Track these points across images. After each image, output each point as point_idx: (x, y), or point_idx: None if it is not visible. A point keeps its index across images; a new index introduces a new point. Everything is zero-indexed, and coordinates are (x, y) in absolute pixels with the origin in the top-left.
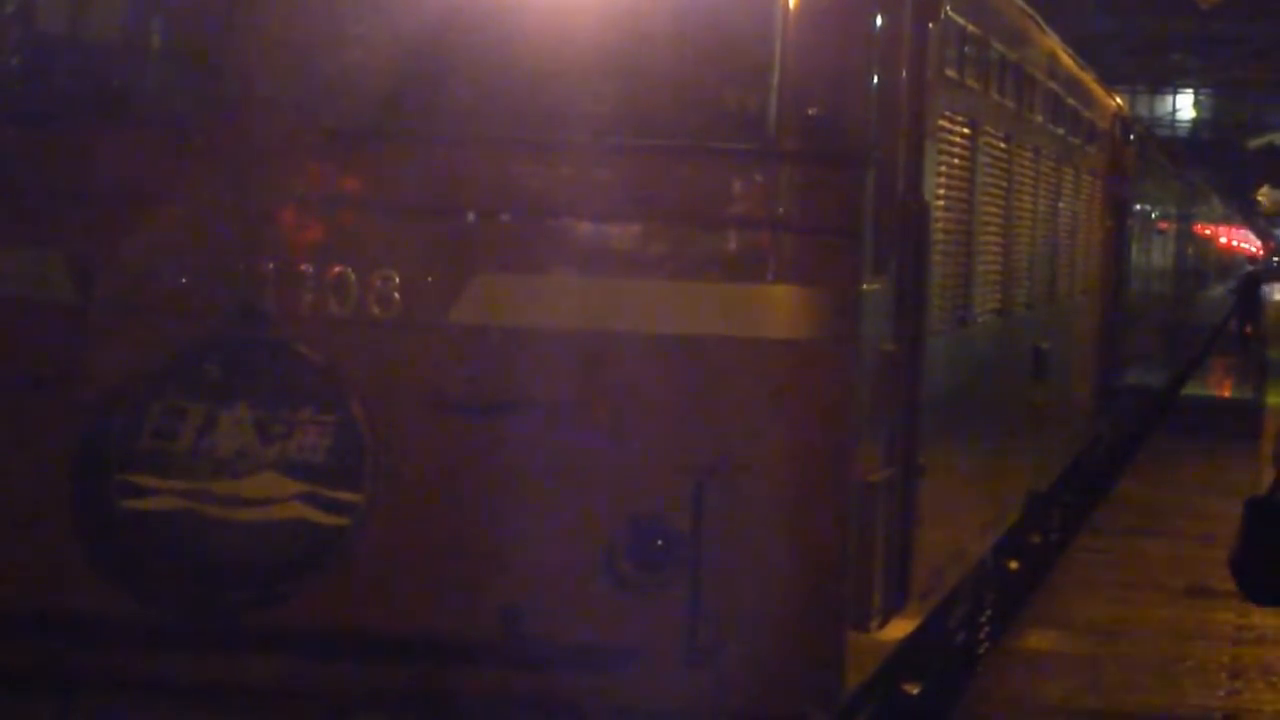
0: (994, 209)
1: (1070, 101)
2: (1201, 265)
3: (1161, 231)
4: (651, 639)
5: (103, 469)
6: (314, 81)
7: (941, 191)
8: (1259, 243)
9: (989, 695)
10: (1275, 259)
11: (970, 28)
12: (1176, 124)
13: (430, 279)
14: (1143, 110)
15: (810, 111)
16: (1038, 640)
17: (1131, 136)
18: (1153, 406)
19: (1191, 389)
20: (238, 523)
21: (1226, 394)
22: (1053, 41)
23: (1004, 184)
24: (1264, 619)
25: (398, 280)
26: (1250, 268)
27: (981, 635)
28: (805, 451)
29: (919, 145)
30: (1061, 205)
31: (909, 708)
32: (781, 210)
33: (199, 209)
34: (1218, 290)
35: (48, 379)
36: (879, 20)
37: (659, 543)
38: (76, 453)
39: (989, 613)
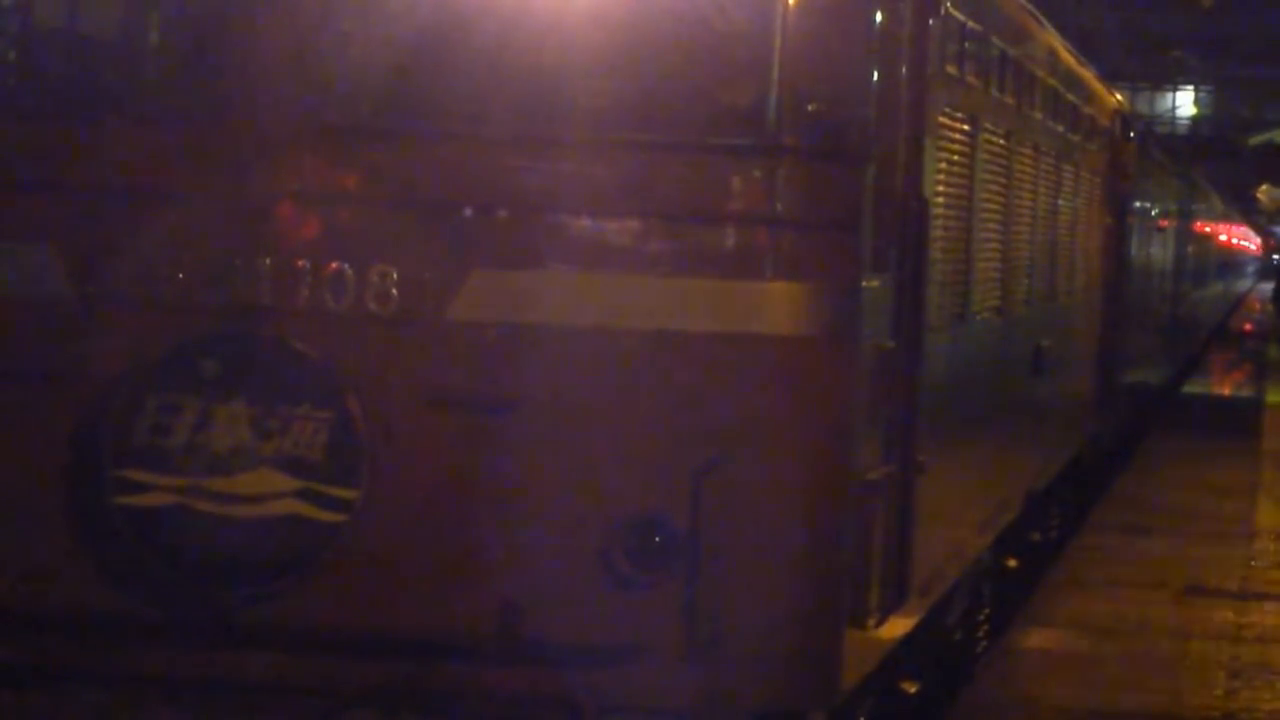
0: (994, 206)
1: (1070, 98)
2: (1201, 263)
3: (1161, 229)
4: (649, 636)
5: (98, 464)
6: (313, 77)
7: (941, 188)
8: (1258, 240)
9: (987, 694)
10: (1275, 256)
11: (970, 24)
12: (1176, 121)
13: (428, 275)
14: (1143, 107)
15: (810, 108)
16: (1036, 639)
17: (1131, 134)
18: (1152, 404)
19: (1191, 387)
20: (234, 519)
21: (1226, 392)
22: (1052, 38)
23: (1004, 181)
24: (1264, 618)
25: (395, 276)
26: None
27: (980, 633)
28: (804, 448)
29: (919, 142)
30: (1061, 202)
31: (907, 706)
32: (781, 206)
33: (196, 204)
34: (1218, 288)
35: (43, 374)
36: (879, 16)
37: (657, 540)
38: (72, 448)
39: (987, 611)
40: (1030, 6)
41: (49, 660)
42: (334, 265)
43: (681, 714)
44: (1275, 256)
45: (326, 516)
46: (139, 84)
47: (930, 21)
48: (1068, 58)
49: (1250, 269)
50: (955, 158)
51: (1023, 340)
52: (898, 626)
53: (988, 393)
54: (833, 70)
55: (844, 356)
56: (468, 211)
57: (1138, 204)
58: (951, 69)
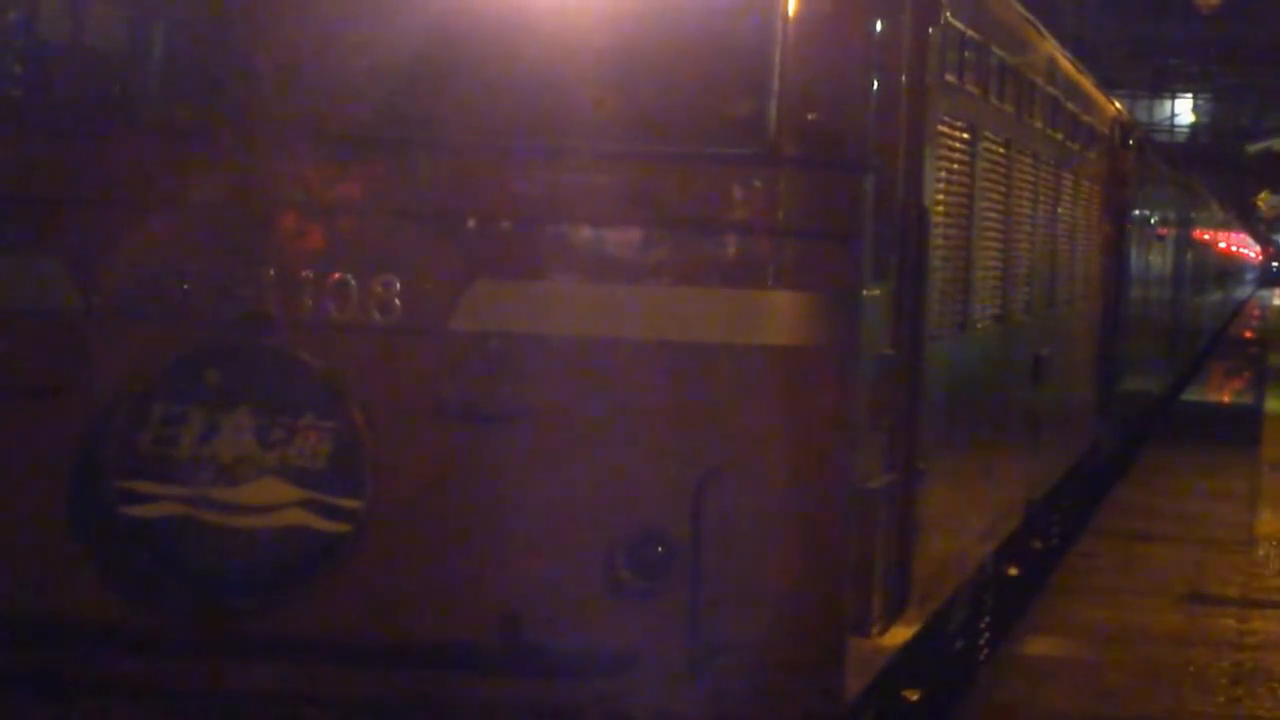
0: (993, 214)
1: (1069, 106)
2: (1201, 270)
3: (1160, 237)
4: (651, 646)
5: (103, 475)
6: (316, 87)
7: (941, 197)
8: (1258, 248)
9: (989, 702)
10: (1275, 264)
11: (969, 32)
12: (1176, 129)
13: (431, 285)
14: (1142, 115)
15: (810, 117)
16: (1037, 646)
17: (1130, 141)
18: (1152, 412)
19: (1191, 394)
20: (238, 529)
21: (1226, 400)
22: (1052, 46)
23: (1003, 189)
24: (1265, 624)
25: (398, 286)
26: None
27: (981, 641)
28: (805, 457)
29: (918, 150)
30: (1060, 211)
31: (909, 714)
32: (781, 216)
33: (200, 215)
34: (1217, 295)
35: (49, 385)
36: (878, 25)
37: (659, 549)
38: (77, 459)
39: (988, 619)
40: (1029, 15)
41: (54, 671)
42: (337, 276)
43: None
44: (1275, 264)
45: (330, 527)
46: (143, 96)
47: (930, 30)
48: (1067, 66)
49: (1250, 276)
50: (955, 166)
51: (1023, 348)
52: (899, 634)
53: (988, 401)
54: (832, 80)
55: (845, 365)
56: (470, 222)
57: (1137, 212)
58: (951, 78)
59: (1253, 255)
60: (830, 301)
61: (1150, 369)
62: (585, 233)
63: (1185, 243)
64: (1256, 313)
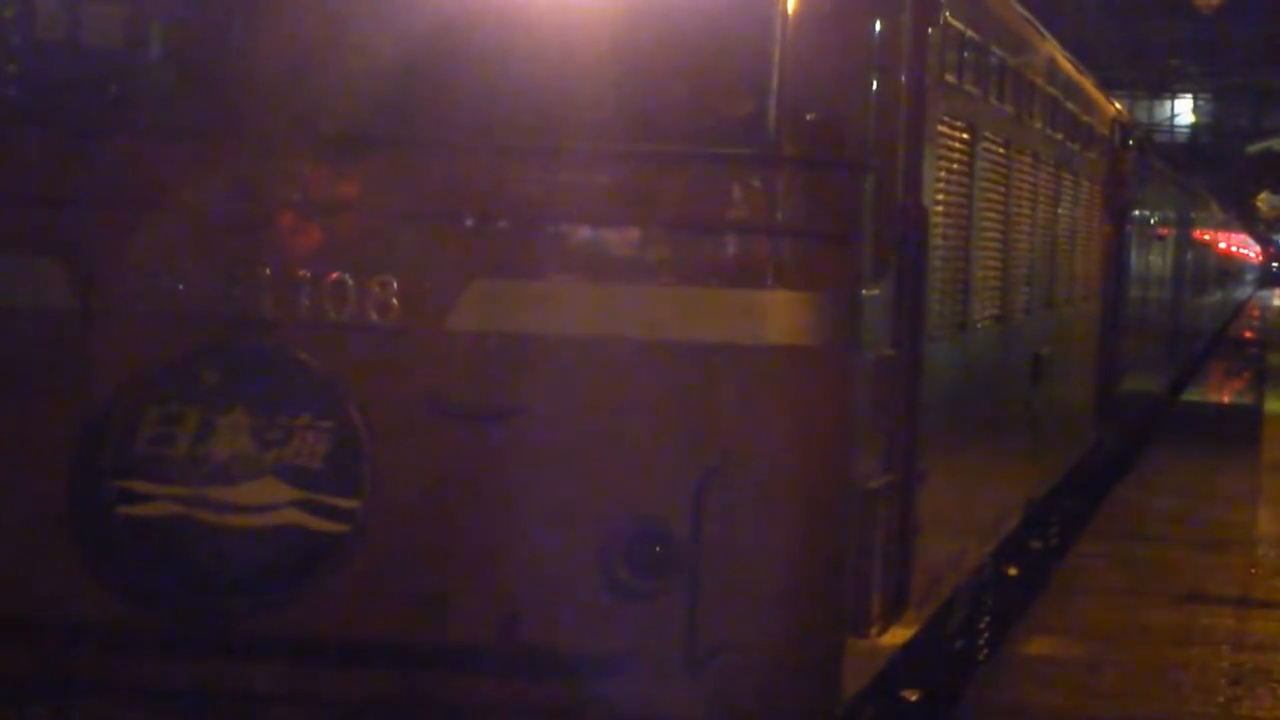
0: (993, 214)
1: (1069, 106)
2: (1201, 271)
3: (1160, 237)
4: (650, 646)
5: (100, 474)
6: (314, 87)
7: (940, 197)
8: (1258, 248)
9: (988, 702)
10: (1275, 264)
11: (969, 32)
12: (1175, 129)
13: (428, 285)
14: (1141, 115)
15: (809, 117)
16: (1037, 646)
17: (1130, 142)
18: (1152, 412)
19: (1191, 395)
20: (235, 529)
21: (1226, 400)
22: (1051, 46)
23: (1003, 189)
24: (1264, 625)
25: (396, 286)
26: None
27: (980, 641)
28: (804, 457)
29: (918, 150)
30: (1060, 211)
31: (908, 714)
32: (780, 215)
33: (198, 215)
34: (1217, 296)
35: (46, 385)
36: (878, 25)
37: (658, 549)
38: (73, 458)
39: (988, 619)
40: (1029, 15)
41: (50, 671)
42: (335, 275)
43: None
44: (1275, 264)
45: (328, 526)
46: (140, 96)
47: (929, 30)
48: (1067, 66)
49: (1250, 277)
50: (954, 166)
51: (1022, 348)
52: (899, 634)
53: (987, 401)
54: (832, 79)
55: (844, 365)
56: (468, 221)
57: (1137, 212)
58: (950, 78)
59: (1252, 255)
60: (830, 301)
61: (1150, 369)
62: (584, 232)
63: (1185, 243)
64: (1256, 313)
